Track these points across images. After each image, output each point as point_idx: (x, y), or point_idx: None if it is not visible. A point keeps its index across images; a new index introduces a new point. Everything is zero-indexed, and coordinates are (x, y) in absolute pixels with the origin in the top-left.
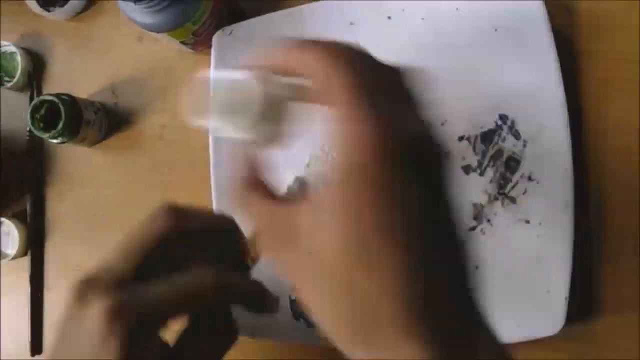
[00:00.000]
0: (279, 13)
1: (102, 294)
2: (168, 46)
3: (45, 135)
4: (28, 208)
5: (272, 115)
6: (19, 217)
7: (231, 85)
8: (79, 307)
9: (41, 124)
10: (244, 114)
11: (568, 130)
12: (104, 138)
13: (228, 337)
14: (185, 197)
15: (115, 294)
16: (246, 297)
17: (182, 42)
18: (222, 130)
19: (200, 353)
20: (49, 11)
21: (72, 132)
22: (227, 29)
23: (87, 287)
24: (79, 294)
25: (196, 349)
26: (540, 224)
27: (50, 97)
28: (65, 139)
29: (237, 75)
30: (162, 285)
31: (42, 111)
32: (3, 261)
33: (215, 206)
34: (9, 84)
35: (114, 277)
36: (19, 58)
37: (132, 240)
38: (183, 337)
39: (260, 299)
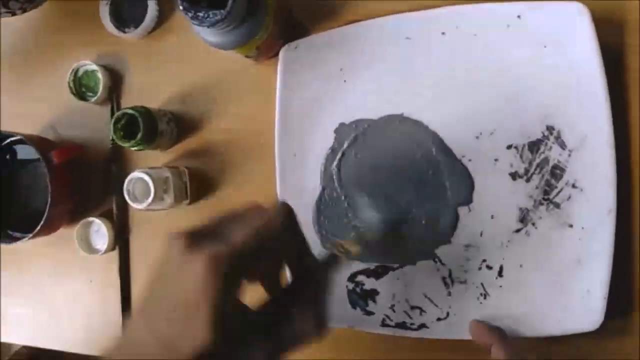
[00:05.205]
0: (340, 29)
1: (206, 247)
2: (233, 57)
3: (126, 145)
4: (114, 208)
5: None
6: (106, 216)
7: None
8: (187, 256)
9: (122, 134)
10: None
11: (612, 141)
12: (176, 143)
13: (316, 326)
14: (251, 196)
15: (214, 246)
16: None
17: (246, 56)
18: None
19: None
20: (124, 32)
21: (149, 140)
22: (293, 44)
23: (194, 242)
24: (187, 246)
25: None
26: (582, 228)
27: (130, 111)
28: (142, 147)
29: None
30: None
31: (123, 122)
32: (96, 256)
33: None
34: (92, 99)
35: (234, 251)
36: (99, 75)
37: (261, 227)
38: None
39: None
